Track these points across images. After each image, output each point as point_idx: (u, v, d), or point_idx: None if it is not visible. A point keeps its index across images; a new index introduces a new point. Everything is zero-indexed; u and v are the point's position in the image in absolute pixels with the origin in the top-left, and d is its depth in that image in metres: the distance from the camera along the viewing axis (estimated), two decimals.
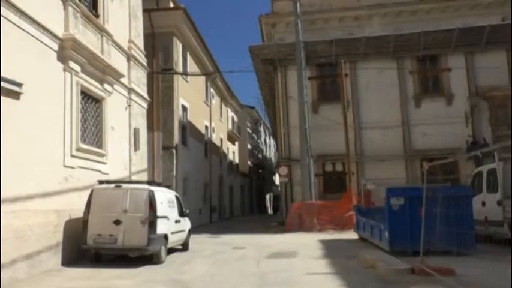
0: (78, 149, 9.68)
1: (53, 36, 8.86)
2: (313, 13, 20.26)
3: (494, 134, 18.16)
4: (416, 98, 19.50)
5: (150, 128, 16.66)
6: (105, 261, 9.32)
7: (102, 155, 10.88)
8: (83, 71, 10.00)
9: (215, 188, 28.25)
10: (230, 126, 35.93)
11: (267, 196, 53.56)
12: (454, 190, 9.64)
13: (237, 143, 39.36)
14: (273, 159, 56.67)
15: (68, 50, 9.27)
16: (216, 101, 30.18)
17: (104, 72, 10.97)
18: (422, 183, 8.02)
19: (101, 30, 11.12)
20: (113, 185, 9.48)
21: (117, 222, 8.92)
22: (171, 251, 10.38)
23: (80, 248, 9.07)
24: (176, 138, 19.54)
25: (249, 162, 43.55)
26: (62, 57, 9.21)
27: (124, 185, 9.51)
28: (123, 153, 12.42)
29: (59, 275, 7.99)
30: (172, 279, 7.49)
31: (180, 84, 20.36)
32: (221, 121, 32.32)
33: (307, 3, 19.80)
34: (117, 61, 12.03)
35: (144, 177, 13.63)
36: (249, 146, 43.85)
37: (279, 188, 27.48)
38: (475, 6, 19.64)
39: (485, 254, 9.16)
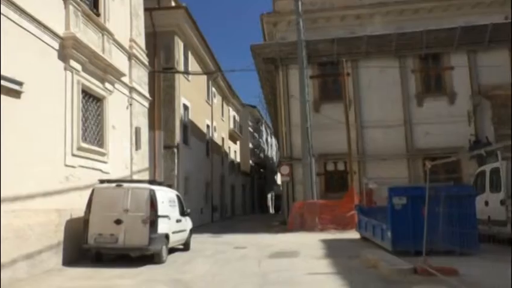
0: (79, 148, 9.66)
1: (54, 34, 8.83)
2: (315, 12, 20.21)
3: (497, 133, 18.09)
4: (418, 96, 19.42)
5: (152, 127, 16.63)
6: (106, 260, 9.29)
7: (103, 154, 10.86)
8: (84, 69, 9.97)
9: (217, 187, 28.22)
10: (232, 126, 35.90)
11: (269, 195, 53.55)
12: (456, 189, 9.56)
13: (238, 142, 39.35)
14: (274, 158, 56.63)
15: (68, 49, 9.25)
16: (217, 100, 30.15)
17: (105, 71, 10.94)
18: (424, 183, 7.99)
19: (102, 29, 11.09)
20: (114, 184, 9.45)
21: (118, 222, 8.89)
22: (172, 250, 10.35)
23: (81, 248, 9.05)
24: (177, 137, 19.51)
25: (250, 162, 43.54)
26: (63, 55, 9.19)
27: (125, 184, 9.48)
28: (124, 153, 12.39)
29: (59, 274, 7.97)
30: (173, 279, 7.46)
31: (181, 83, 20.33)
32: (223, 120, 32.29)
33: (308, 1, 19.75)
34: (118, 60, 12.01)
35: (146, 176, 13.60)
36: (250, 145, 43.82)
37: (281, 187, 27.44)
38: (477, 5, 19.57)
39: (489, 253, 9.10)
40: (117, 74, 11.64)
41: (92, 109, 10.65)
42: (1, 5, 7.24)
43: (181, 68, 20.51)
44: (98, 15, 11.15)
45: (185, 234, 11.30)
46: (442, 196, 8.24)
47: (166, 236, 9.53)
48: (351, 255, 9.54)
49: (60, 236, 8.78)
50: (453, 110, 18.93)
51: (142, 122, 13.83)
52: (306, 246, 11.68)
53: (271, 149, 57.45)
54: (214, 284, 7.16)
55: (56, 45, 8.95)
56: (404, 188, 11.08)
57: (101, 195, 9.15)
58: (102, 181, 9.74)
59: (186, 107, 21.40)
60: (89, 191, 9.30)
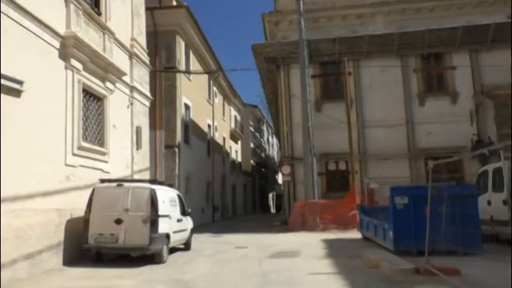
0: (80, 148, 9.63)
1: (55, 33, 8.80)
2: (316, 11, 20.18)
3: (499, 133, 18.03)
4: (420, 96, 19.37)
5: (153, 126, 16.59)
6: (107, 260, 9.27)
7: (103, 154, 10.82)
8: (85, 69, 9.95)
9: (218, 187, 28.20)
10: (233, 125, 35.88)
11: (270, 195, 53.52)
12: (459, 189, 9.50)
13: (239, 142, 39.32)
14: (275, 158, 56.57)
15: (69, 48, 9.22)
16: (218, 99, 30.12)
17: (106, 70, 10.92)
18: (426, 182, 7.94)
19: (103, 28, 11.07)
20: (114, 184, 9.41)
21: (118, 222, 8.86)
22: (173, 250, 10.33)
23: (81, 248, 9.01)
24: (179, 136, 19.48)
25: (251, 161, 43.50)
26: (64, 55, 9.16)
27: (126, 184, 9.44)
28: (125, 152, 12.36)
29: (60, 274, 7.95)
30: (174, 279, 7.43)
31: (182, 82, 20.30)
32: (224, 120, 32.27)
33: (310, 1, 19.72)
34: (119, 59, 11.98)
35: (146, 176, 13.57)
36: (251, 145, 43.79)
37: (282, 187, 27.41)
38: (480, 4, 19.53)
39: (491, 253, 9.04)
40: (118, 73, 11.61)
41: (93, 108, 10.62)
42: (1, 4, 7.21)
43: (182, 67, 20.48)
44: (99, 14, 11.12)
45: (186, 234, 11.26)
46: (445, 196, 8.19)
47: (167, 236, 9.49)
48: (352, 255, 9.50)
49: (60, 236, 8.75)
50: (455, 109, 18.88)
51: (143, 122, 13.80)
52: (307, 246, 11.64)
53: (273, 148, 57.41)
54: (215, 283, 7.13)
55: (57, 44, 8.92)
56: (406, 187, 11.03)
57: (101, 195, 9.12)
58: (102, 180, 9.71)
59: (187, 107, 21.38)
60: (89, 191, 9.27)
